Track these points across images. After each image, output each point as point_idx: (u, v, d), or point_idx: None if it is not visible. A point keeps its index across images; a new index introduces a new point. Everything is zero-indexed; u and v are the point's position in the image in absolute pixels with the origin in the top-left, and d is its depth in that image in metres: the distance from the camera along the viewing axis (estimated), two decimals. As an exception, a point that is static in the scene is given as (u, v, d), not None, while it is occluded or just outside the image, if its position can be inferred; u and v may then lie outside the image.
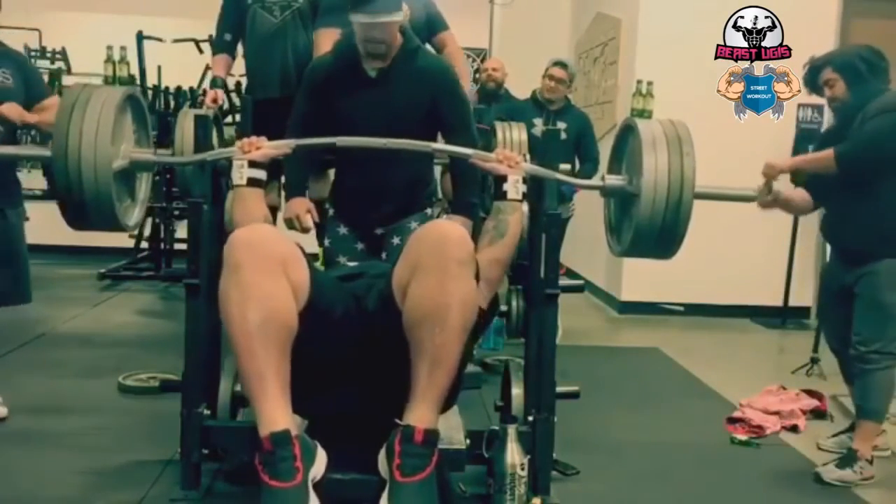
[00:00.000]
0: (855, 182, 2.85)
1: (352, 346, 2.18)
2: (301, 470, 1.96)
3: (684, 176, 2.27)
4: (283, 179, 3.28)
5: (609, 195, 2.50)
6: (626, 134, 2.46)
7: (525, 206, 2.45)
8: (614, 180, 2.44)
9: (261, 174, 2.38)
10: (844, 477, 2.89)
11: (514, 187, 2.33)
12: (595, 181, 2.48)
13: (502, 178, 2.35)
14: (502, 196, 2.33)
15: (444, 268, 2.03)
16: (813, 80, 3.01)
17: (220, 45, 3.99)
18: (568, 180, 2.53)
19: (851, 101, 2.92)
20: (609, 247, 2.53)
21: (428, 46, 3.66)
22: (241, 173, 2.32)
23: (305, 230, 3.00)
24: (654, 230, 2.28)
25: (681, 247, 2.36)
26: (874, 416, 2.97)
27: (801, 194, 3.00)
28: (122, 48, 2.50)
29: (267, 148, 2.38)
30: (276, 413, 1.98)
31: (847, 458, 2.93)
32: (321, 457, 2.08)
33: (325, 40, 3.32)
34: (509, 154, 2.39)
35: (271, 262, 2.06)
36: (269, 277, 2.04)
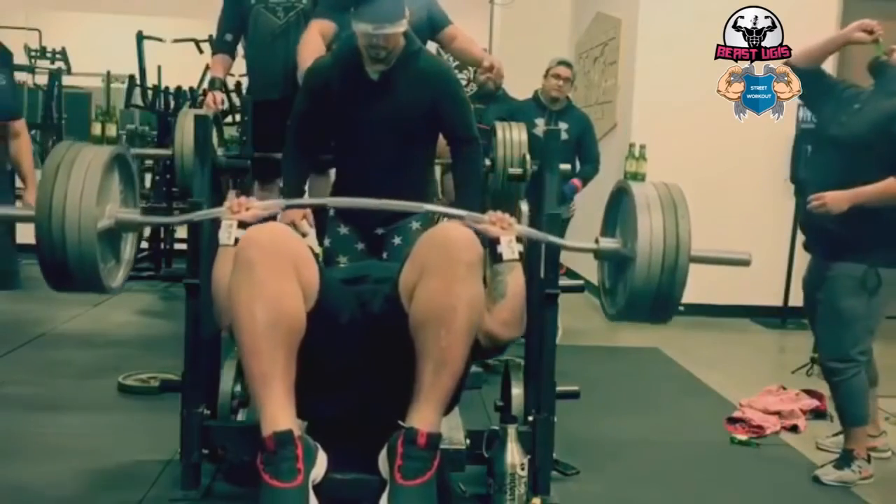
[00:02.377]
0: (853, 166, 2.81)
1: (356, 349, 2.18)
2: (302, 471, 1.95)
3: (680, 240, 2.23)
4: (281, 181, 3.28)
5: (603, 258, 2.47)
6: (620, 196, 2.43)
7: (525, 206, 2.44)
8: (608, 243, 2.39)
9: None
10: (844, 477, 2.90)
11: (509, 247, 2.28)
12: (589, 244, 2.43)
13: (496, 241, 2.30)
14: (498, 259, 2.28)
15: (451, 270, 2.03)
16: None
17: (221, 46, 3.98)
18: (560, 243, 2.48)
19: None
20: (603, 310, 2.51)
21: (431, 44, 3.66)
22: (229, 233, 2.23)
23: (302, 236, 3.00)
24: (649, 295, 2.24)
25: (675, 313, 2.34)
26: (857, 422, 2.96)
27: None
28: (114, 107, 2.50)
29: (256, 209, 2.30)
30: (280, 413, 1.97)
31: (844, 459, 2.93)
32: (322, 459, 2.08)
33: (315, 30, 3.31)
34: (501, 216, 2.34)
35: (283, 261, 2.05)
36: (280, 277, 2.03)
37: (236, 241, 2.22)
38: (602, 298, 2.50)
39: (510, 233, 2.31)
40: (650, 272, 2.21)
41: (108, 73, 7.63)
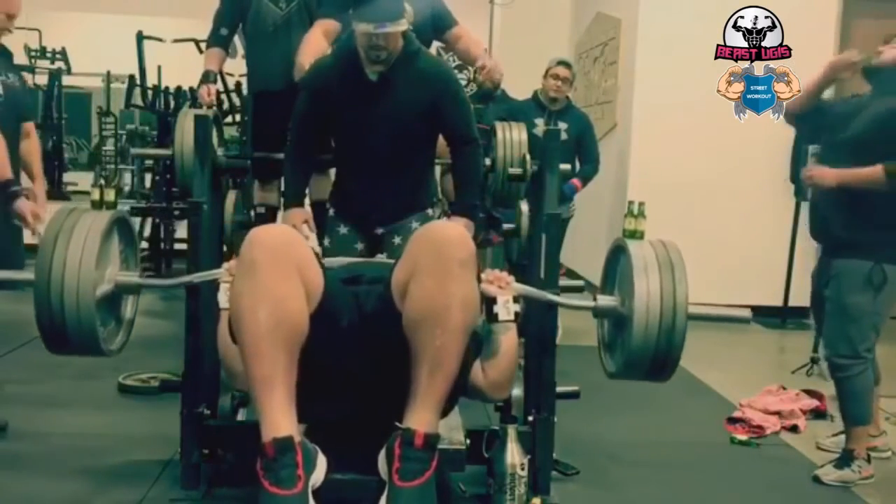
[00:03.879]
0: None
1: (354, 350, 2.17)
2: (303, 478, 1.93)
3: (677, 301, 2.22)
4: (282, 182, 3.28)
5: (601, 316, 2.47)
6: (618, 254, 2.42)
7: (525, 206, 2.44)
8: (606, 301, 2.39)
9: None
10: (844, 477, 2.90)
11: (505, 308, 2.27)
12: (587, 302, 2.42)
13: (492, 301, 2.28)
14: (494, 318, 2.27)
15: (444, 269, 2.01)
16: None
17: (216, 40, 3.97)
18: (558, 301, 2.47)
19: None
20: (602, 366, 2.51)
21: (436, 44, 3.66)
22: (227, 296, 2.21)
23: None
24: (647, 355, 2.23)
25: (675, 372, 2.34)
26: (860, 421, 2.96)
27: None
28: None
29: None
30: (281, 419, 1.95)
31: (844, 459, 2.93)
32: (322, 463, 2.07)
33: (318, 30, 3.31)
34: (499, 274, 2.33)
35: (287, 263, 2.03)
36: (284, 279, 2.01)
37: None
38: (601, 355, 2.49)
39: (507, 293, 2.29)
40: (647, 333, 2.21)
41: (109, 73, 7.63)
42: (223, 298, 2.23)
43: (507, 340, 2.25)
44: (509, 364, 2.25)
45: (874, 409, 3.09)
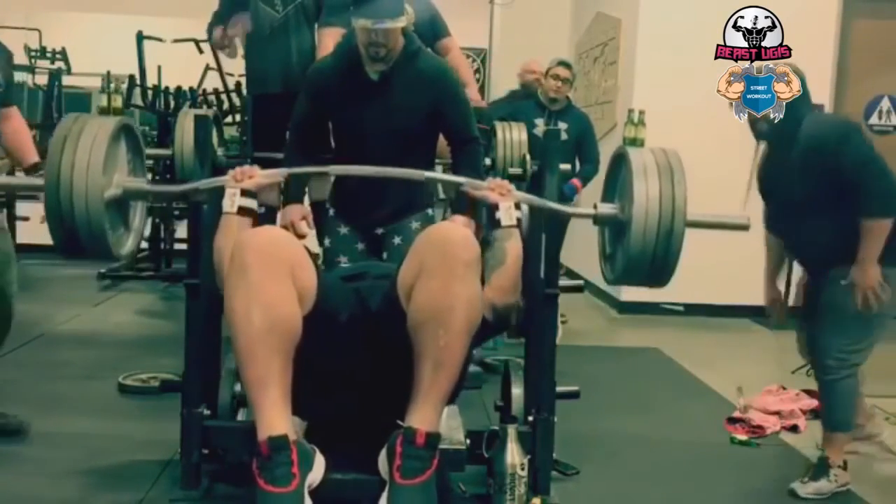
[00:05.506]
0: (818, 210, 2.78)
1: (357, 348, 2.17)
2: (298, 476, 1.94)
3: (675, 205, 2.25)
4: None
5: (601, 223, 2.48)
6: (619, 162, 2.45)
7: (525, 208, 2.45)
8: (606, 209, 2.42)
9: (252, 203, 2.33)
10: (821, 488, 2.80)
11: (507, 213, 2.31)
12: (587, 210, 2.46)
13: (495, 207, 2.33)
14: (496, 224, 2.31)
15: (449, 269, 2.03)
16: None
17: (215, 22, 3.96)
18: (559, 208, 2.49)
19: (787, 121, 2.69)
20: (603, 275, 2.53)
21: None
22: (232, 201, 2.28)
23: (300, 237, 3.00)
24: (645, 259, 2.27)
25: (674, 275, 2.35)
26: (842, 427, 2.89)
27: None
28: (119, 81, 2.50)
29: (260, 177, 2.34)
30: (275, 418, 1.97)
31: (820, 468, 2.84)
32: (319, 462, 2.08)
33: (329, 40, 3.32)
34: (500, 182, 2.38)
35: (279, 265, 2.05)
36: (276, 281, 2.03)
37: (239, 209, 2.28)
38: (602, 264, 2.53)
39: (509, 199, 2.34)
40: (646, 237, 2.25)
41: (108, 73, 7.62)
42: (227, 203, 2.29)
43: (511, 246, 2.28)
44: (515, 269, 2.27)
45: (860, 411, 3.04)
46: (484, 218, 2.44)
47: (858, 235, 2.74)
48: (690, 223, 2.30)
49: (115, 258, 2.35)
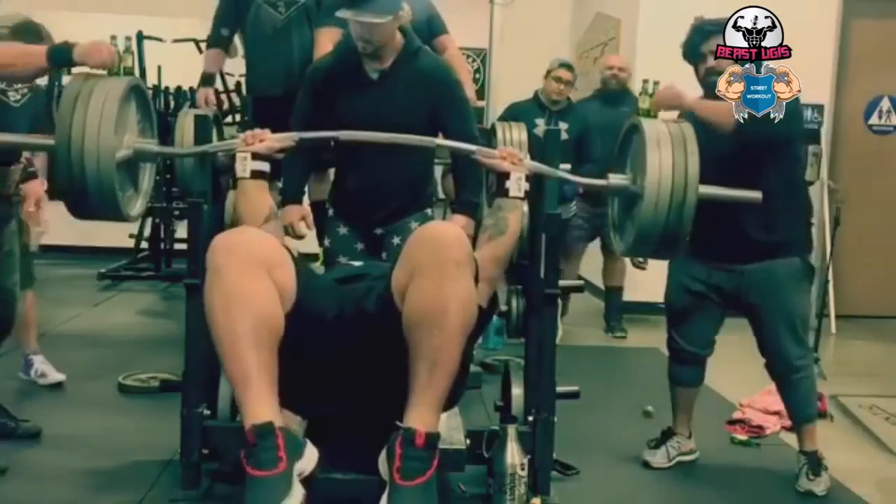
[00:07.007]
0: (738, 174, 2.64)
1: (349, 347, 2.17)
2: (284, 459, 1.93)
3: (689, 176, 2.25)
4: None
5: (613, 194, 2.48)
6: (631, 133, 2.44)
7: (525, 206, 2.45)
8: (618, 179, 2.42)
9: (264, 166, 2.37)
10: (826, 481, 2.82)
11: (517, 184, 2.32)
12: (600, 181, 2.46)
13: (505, 176, 2.34)
14: (504, 193, 2.32)
15: (441, 269, 2.02)
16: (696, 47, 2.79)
17: (217, 41, 3.95)
18: (571, 178, 2.51)
19: None
20: (613, 245, 2.54)
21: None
22: (244, 165, 2.31)
23: (299, 238, 3.00)
24: (656, 230, 2.26)
25: (685, 247, 2.34)
26: (814, 418, 2.92)
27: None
28: (127, 38, 2.49)
29: (270, 140, 2.37)
30: (260, 407, 1.97)
31: (814, 464, 2.84)
32: (311, 453, 2.08)
33: (326, 40, 3.31)
34: (512, 151, 2.39)
35: (252, 263, 2.05)
36: (251, 279, 2.03)
37: (252, 173, 2.31)
38: (612, 235, 2.54)
39: (520, 169, 2.35)
40: (658, 209, 2.25)
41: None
42: (239, 168, 2.33)
43: (514, 219, 2.32)
44: (511, 242, 2.34)
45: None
46: (493, 186, 2.45)
47: (781, 226, 2.75)
48: (703, 196, 2.29)
49: (124, 218, 2.36)
